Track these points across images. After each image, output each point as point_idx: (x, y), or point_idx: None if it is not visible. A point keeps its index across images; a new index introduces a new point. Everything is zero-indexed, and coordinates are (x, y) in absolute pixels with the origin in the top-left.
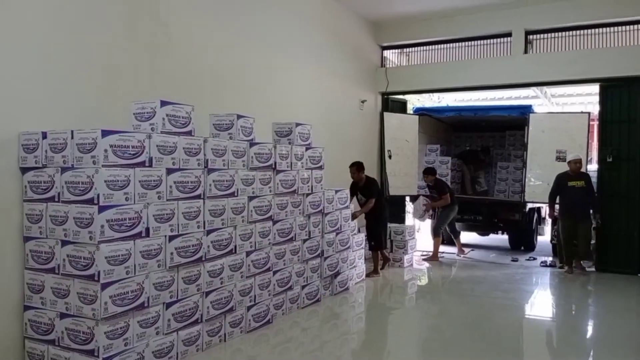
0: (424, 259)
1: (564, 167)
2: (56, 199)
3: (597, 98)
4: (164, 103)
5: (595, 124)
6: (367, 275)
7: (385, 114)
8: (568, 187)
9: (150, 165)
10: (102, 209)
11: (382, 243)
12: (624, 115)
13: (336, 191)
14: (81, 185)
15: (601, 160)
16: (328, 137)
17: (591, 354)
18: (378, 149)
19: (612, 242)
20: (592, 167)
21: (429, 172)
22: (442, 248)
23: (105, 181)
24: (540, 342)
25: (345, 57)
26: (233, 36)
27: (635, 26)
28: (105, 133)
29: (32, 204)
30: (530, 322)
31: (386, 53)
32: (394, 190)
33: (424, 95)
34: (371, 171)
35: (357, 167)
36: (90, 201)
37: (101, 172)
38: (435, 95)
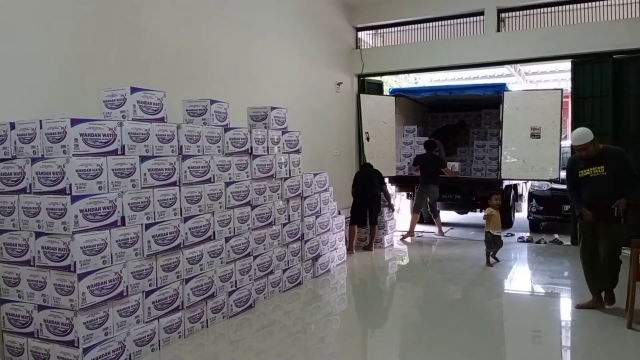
0: (401, 239)
1: (538, 144)
2: (28, 191)
3: (570, 74)
4: (134, 90)
5: (569, 100)
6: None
7: (362, 95)
8: (581, 178)
9: (123, 154)
10: (75, 199)
11: (353, 219)
12: (596, 91)
13: (314, 174)
14: (52, 176)
15: None
16: (305, 121)
17: (569, 326)
18: (356, 131)
19: None
20: (566, 143)
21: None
22: (422, 227)
23: (76, 171)
24: (519, 314)
25: (319, 39)
26: (205, 20)
27: (605, 2)
28: (74, 122)
29: (4, 197)
30: (508, 296)
31: (361, 34)
32: None
33: (400, 76)
34: (349, 154)
35: None
36: (62, 191)
37: (72, 161)
38: (412, 76)
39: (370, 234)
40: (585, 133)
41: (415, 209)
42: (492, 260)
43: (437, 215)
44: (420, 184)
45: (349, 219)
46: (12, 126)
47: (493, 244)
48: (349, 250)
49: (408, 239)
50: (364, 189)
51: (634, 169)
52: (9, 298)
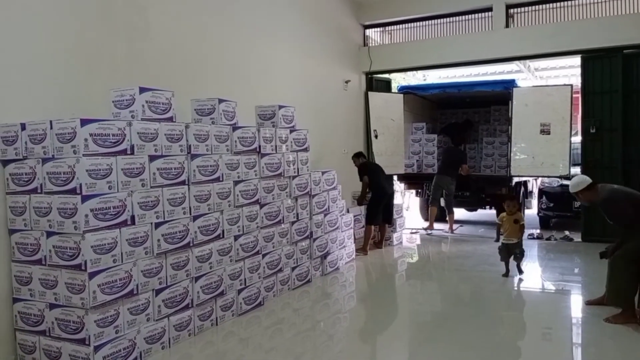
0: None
1: (548, 140)
2: (39, 190)
3: (579, 70)
4: (143, 89)
5: (579, 95)
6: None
7: (370, 93)
8: None
9: (132, 153)
10: (85, 199)
11: (370, 218)
12: (606, 86)
13: (323, 172)
14: (63, 176)
15: (585, 132)
16: (313, 119)
17: (579, 322)
18: (364, 129)
19: (596, 211)
20: (576, 139)
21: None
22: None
23: (86, 170)
24: (529, 311)
25: (327, 37)
26: (211, 19)
27: None
28: (84, 122)
29: (15, 197)
30: (518, 293)
31: (368, 32)
32: None
33: (408, 73)
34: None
35: (355, 155)
36: (72, 191)
37: (82, 161)
38: (420, 73)
39: (381, 231)
40: (574, 183)
41: (432, 202)
42: (513, 272)
43: (451, 212)
44: (435, 174)
45: (357, 217)
46: (23, 127)
47: (506, 252)
48: (363, 250)
49: (429, 231)
50: (383, 188)
51: (619, 217)
52: (21, 297)
